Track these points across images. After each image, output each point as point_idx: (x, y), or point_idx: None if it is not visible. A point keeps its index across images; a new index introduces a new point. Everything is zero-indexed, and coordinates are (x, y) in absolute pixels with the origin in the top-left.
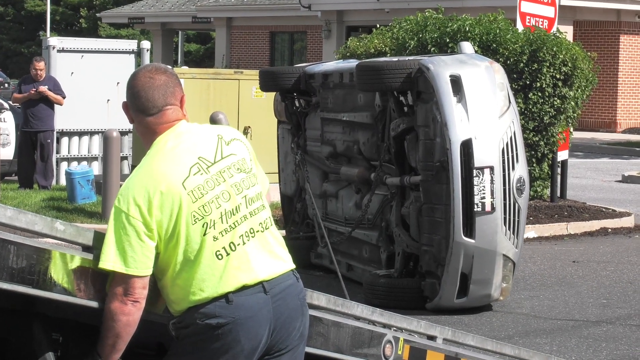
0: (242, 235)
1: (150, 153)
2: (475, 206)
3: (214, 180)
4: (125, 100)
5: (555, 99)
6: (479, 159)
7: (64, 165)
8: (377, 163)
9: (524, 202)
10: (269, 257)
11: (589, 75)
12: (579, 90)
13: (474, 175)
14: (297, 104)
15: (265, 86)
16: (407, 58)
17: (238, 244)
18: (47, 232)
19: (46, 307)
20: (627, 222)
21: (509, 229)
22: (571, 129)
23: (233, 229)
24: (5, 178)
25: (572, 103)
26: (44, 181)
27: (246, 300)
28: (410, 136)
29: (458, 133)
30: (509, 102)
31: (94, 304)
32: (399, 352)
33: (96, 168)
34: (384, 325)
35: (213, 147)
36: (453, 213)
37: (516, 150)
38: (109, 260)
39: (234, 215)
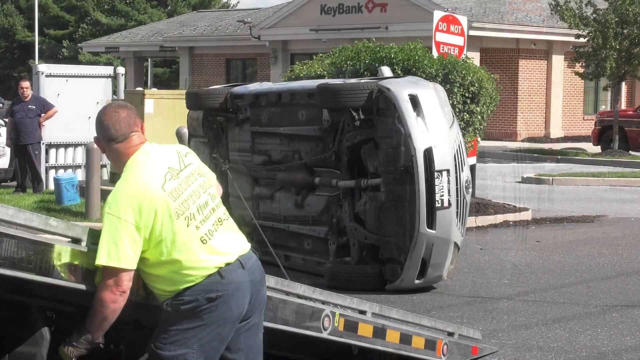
0: (214, 223)
1: (128, 169)
2: (437, 203)
3: (185, 183)
4: (95, 135)
5: (465, 114)
6: (438, 164)
7: (52, 173)
8: (320, 169)
9: (469, 198)
10: (236, 239)
11: (493, 94)
12: (485, 106)
13: (436, 177)
14: (219, 121)
15: (191, 105)
16: (362, 80)
17: (212, 231)
18: (42, 228)
19: (41, 290)
20: (526, 215)
21: (459, 221)
22: (479, 139)
23: (207, 219)
24: (2, 184)
25: (479, 117)
26: (35, 186)
27: (234, 275)
28: (367, 146)
29: (421, 142)
30: (453, 116)
31: (81, 286)
32: (336, 324)
33: (80, 174)
34: (323, 302)
35: (176, 159)
36: (418, 209)
37: (463, 155)
38: (103, 257)
39: (205, 208)
